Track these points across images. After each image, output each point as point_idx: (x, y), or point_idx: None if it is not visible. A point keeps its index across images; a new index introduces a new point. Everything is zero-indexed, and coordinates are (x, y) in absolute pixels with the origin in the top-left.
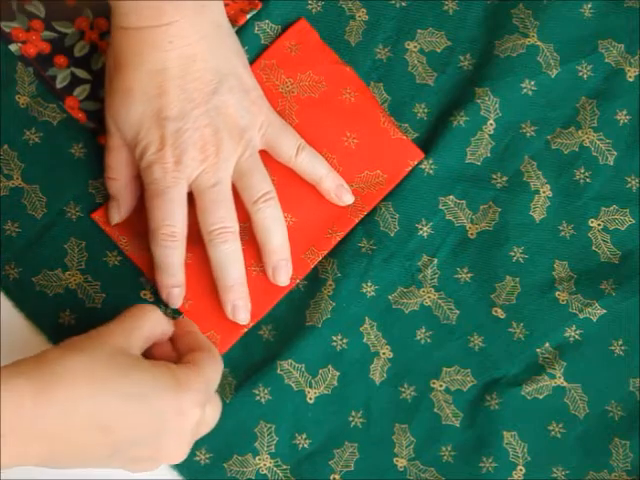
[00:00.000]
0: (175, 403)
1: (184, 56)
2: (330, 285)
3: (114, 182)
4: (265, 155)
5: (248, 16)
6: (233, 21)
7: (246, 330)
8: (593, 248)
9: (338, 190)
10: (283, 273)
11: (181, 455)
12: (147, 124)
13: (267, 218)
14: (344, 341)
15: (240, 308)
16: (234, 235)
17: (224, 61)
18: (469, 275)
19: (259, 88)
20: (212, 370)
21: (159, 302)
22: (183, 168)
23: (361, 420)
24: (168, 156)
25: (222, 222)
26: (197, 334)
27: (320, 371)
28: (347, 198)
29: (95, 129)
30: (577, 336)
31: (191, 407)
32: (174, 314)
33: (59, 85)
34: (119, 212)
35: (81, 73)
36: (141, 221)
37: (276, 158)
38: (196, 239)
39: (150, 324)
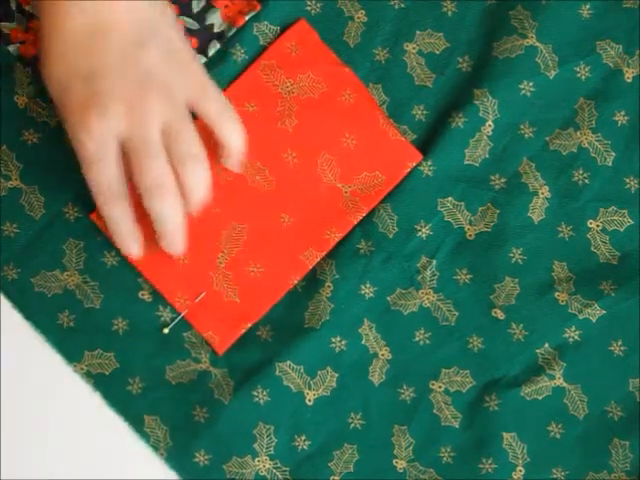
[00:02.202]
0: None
1: (103, 20)
2: (328, 287)
3: None
4: (262, 156)
5: (247, 17)
6: (232, 22)
7: (244, 331)
8: (592, 249)
9: (235, 166)
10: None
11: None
12: (69, 84)
13: (192, 177)
14: (343, 342)
15: (175, 245)
16: (169, 189)
17: (149, 19)
18: (468, 276)
19: (188, 48)
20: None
21: (157, 304)
22: (108, 125)
23: (360, 422)
24: (93, 115)
25: (158, 177)
26: None
27: (319, 372)
28: (234, 165)
29: None
30: (576, 337)
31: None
32: (171, 313)
33: None
34: None
35: None
36: (139, 222)
37: (200, 116)
38: (190, 239)
39: None
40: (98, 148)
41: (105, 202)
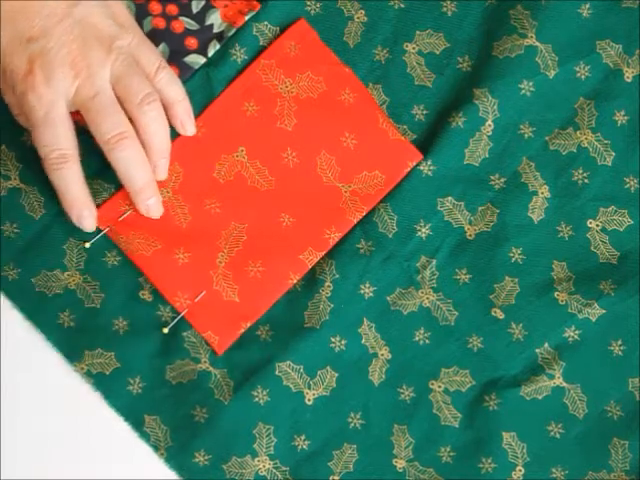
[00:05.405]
0: None
1: None
2: (328, 286)
3: (21, 116)
4: (262, 156)
5: (246, 17)
6: (232, 22)
7: (243, 331)
8: (592, 249)
9: (185, 118)
10: (164, 170)
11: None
12: (11, 49)
13: (152, 122)
14: (343, 342)
15: (153, 206)
16: (132, 140)
17: None
18: (468, 276)
19: (121, 4)
20: None
21: (157, 303)
22: (56, 87)
23: (360, 421)
24: (39, 79)
25: (116, 128)
26: None
27: (319, 372)
28: (190, 129)
29: None
30: (576, 336)
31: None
32: (172, 312)
33: None
34: None
35: None
36: (140, 222)
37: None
38: (190, 239)
39: None
40: (48, 111)
41: (56, 166)
